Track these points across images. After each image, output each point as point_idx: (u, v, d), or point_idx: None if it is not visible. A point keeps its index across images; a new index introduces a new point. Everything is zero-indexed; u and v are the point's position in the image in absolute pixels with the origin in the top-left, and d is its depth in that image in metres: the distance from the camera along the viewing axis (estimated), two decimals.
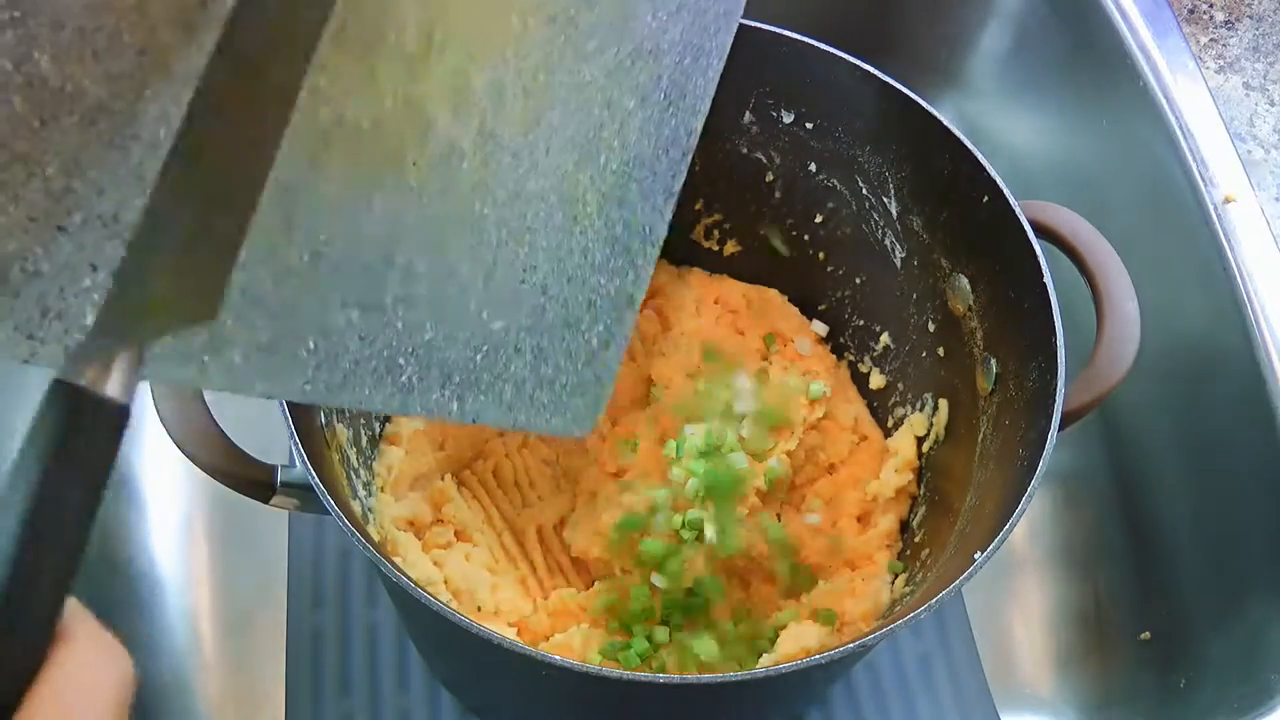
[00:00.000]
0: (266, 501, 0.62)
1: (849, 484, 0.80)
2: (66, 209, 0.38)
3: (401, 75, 0.46)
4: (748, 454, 0.76)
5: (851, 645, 0.56)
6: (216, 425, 0.60)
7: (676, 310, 0.86)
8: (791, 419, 0.78)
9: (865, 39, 0.84)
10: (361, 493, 0.71)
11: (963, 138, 0.69)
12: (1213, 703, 0.75)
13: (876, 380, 0.84)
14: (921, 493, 0.80)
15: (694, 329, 0.84)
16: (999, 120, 1.01)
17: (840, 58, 0.72)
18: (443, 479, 0.77)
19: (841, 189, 0.79)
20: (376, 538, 0.70)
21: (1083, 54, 0.91)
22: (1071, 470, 0.91)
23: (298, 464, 0.59)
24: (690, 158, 0.68)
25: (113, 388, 0.37)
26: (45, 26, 0.35)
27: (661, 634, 0.73)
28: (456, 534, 0.76)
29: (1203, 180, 0.81)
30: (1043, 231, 0.68)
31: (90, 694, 0.35)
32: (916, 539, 0.77)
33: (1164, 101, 0.84)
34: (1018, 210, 0.67)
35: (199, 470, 0.60)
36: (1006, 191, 0.68)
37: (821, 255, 0.84)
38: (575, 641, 0.70)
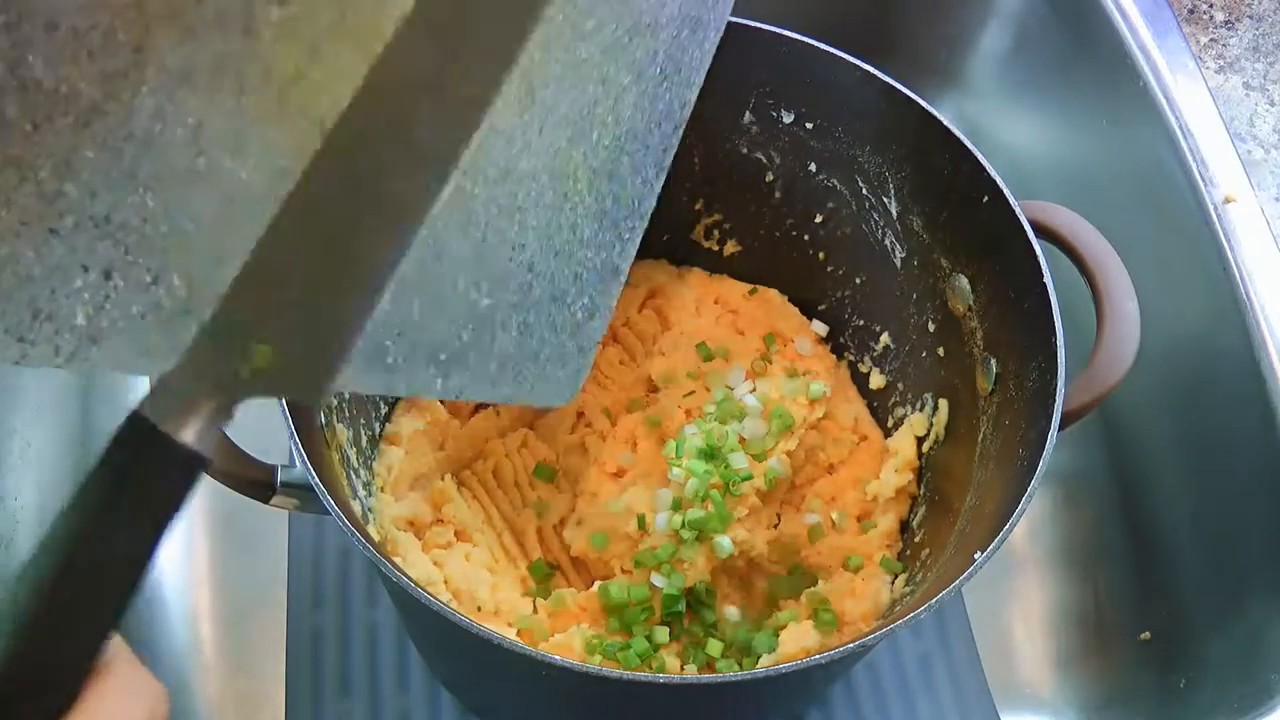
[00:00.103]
0: (266, 501, 0.62)
1: (849, 484, 0.80)
2: (59, 211, 0.37)
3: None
4: (748, 454, 0.76)
5: (851, 645, 0.56)
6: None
7: (676, 310, 0.86)
8: (791, 419, 0.78)
9: (865, 39, 0.84)
10: (361, 493, 0.71)
11: (963, 138, 0.69)
12: (1213, 703, 0.75)
13: (876, 380, 0.84)
14: (921, 493, 0.80)
15: (694, 329, 0.84)
16: (999, 120, 1.01)
17: (840, 58, 0.72)
18: (443, 479, 0.77)
19: (841, 189, 0.79)
20: (376, 538, 0.70)
21: (1083, 54, 0.91)
22: (1071, 470, 0.91)
23: (298, 464, 0.59)
24: (683, 130, 0.68)
25: (189, 435, 0.36)
26: (40, 28, 0.35)
27: (661, 634, 0.73)
28: (456, 534, 0.76)
29: (1203, 180, 0.81)
30: (1043, 231, 0.68)
31: None
32: (916, 539, 0.77)
33: (1164, 101, 0.84)
34: (1018, 210, 0.67)
35: None
36: (1006, 191, 0.68)
37: (821, 255, 0.84)
38: (575, 641, 0.70)
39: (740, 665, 0.73)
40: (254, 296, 0.38)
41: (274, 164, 0.40)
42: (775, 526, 0.79)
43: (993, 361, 0.71)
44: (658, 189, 0.67)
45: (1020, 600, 0.90)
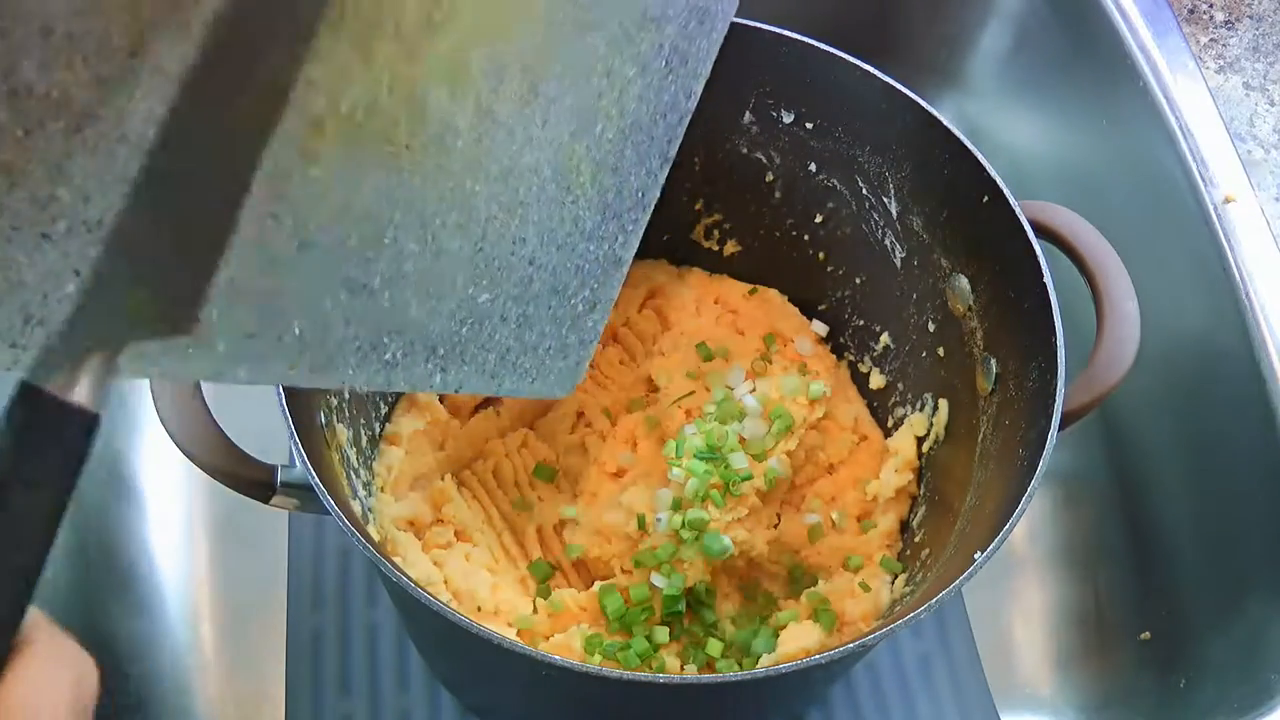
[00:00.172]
0: (266, 501, 0.62)
1: (849, 484, 0.80)
2: (51, 216, 0.37)
3: (399, 58, 0.45)
4: (748, 454, 0.76)
5: (851, 645, 0.56)
6: (216, 425, 0.60)
7: (676, 310, 0.86)
8: (791, 419, 0.78)
9: (865, 39, 0.84)
10: (361, 493, 0.71)
11: (963, 138, 0.69)
12: (1213, 703, 0.75)
13: (876, 380, 0.84)
14: (921, 493, 0.80)
15: (694, 329, 0.84)
16: (999, 120, 1.01)
17: (840, 58, 0.72)
18: (443, 479, 0.77)
19: (841, 189, 0.79)
20: (376, 538, 0.70)
21: (1083, 54, 0.91)
22: (1071, 470, 0.91)
23: (298, 464, 0.59)
24: (688, 120, 0.67)
25: (80, 394, 0.36)
26: (34, 34, 0.34)
27: (661, 634, 0.73)
28: (456, 534, 0.76)
29: (1203, 180, 0.81)
30: (1043, 231, 0.68)
31: (50, 701, 0.35)
32: (916, 539, 0.77)
33: (1164, 101, 0.84)
34: (1018, 210, 0.67)
35: (199, 470, 0.60)
36: (1006, 191, 0.68)
37: (821, 255, 0.84)
38: (575, 641, 0.70)
39: (740, 665, 0.73)
40: (122, 248, 0.38)
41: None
42: (775, 526, 0.79)
43: (993, 361, 0.71)
44: (662, 179, 0.67)
45: (1020, 600, 0.90)
